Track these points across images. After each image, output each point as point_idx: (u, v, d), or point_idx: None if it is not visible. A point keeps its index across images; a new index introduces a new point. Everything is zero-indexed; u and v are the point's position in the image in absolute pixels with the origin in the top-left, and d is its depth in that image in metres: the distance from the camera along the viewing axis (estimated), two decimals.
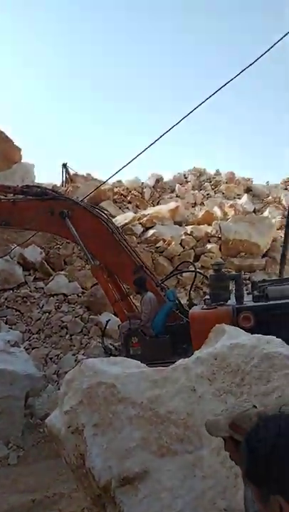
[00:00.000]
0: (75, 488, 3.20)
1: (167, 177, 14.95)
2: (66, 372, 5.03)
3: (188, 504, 2.08)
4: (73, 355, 6.75)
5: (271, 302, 4.03)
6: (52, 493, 3.35)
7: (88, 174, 14.52)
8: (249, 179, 15.04)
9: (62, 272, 8.38)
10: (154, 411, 2.43)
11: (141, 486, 2.23)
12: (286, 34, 5.23)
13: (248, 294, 4.55)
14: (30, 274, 8.45)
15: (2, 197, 5.53)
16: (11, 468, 3.95)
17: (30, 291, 7.99)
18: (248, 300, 4.23)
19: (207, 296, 4.52)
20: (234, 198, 13.63)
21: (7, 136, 13.88)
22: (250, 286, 5.19)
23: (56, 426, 2.73)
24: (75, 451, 2.49)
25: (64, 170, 13.51)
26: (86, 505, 3.03)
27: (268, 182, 15.49)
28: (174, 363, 2.76)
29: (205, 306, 4.20)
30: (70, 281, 8.17)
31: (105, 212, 5.61)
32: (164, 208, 11.47)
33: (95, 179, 13.46)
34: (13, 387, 4.44)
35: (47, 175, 34.64)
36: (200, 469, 2.20)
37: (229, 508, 1.98)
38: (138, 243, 9.42)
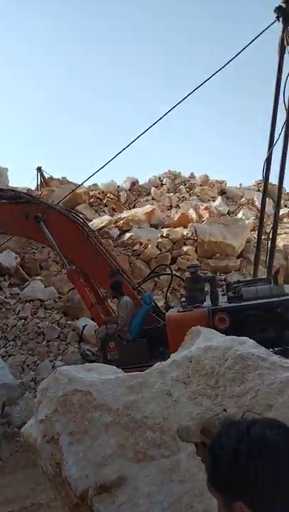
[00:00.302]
0: (53, 497, 3.16)
1: (143, 180, 15.01)
2: (44, 379, 4.98)
3: (166, 509, 2.09)
4: (50, 361, 6.67)
5: (245, 303, 4.09)
6: (30, 503, 3.31)
7: (63, 178, 14.43)
8: (223, 182, 15.27)
9: (38, 277, 8.29)
10: (130, 417, 2.42)
11: (118, 493, 2.22)
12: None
13: (223, 295, 4.61)
14: (5, 280, 8.31)
15: None
16: None
17: (6, 298, 7.86)
18: (223, 301, 4.28)
19: (183, 299, 4.55)
20: (208, 200, 13.80)
21: None
22: (225, 287, 5.26)
23: (32, 435, 2.69)
24: (51, 461, 2.45)
25: (39, 173, 13.40)
26: None
27: (241, 184, 15.78)
28: (151, 366, 2.77)
29: (181, 309, 4.23)
30: (46, 287, 8.09)
31: (80, 216, 5.57)
32: (140, 211, 11.51)
33: (71, 182, 13.38)
34: None
35: (21, 179, 34.19)
36: (177, 474, 2.20)
37: (206, 511, 1.99)
38: (115, 246, 9.41)
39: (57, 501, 2.98)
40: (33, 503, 3.32)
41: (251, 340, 2.72)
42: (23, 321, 7.35)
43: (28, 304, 7.65)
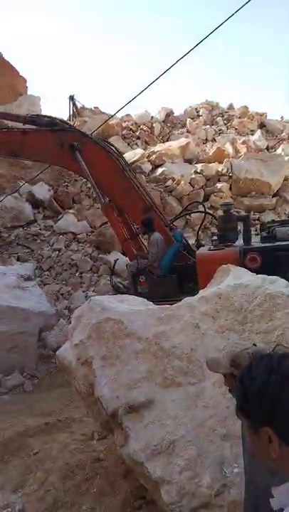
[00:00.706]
0: (86, 414, 3.45)
1: (178, 111, 14.31)
2: (77, 308, 5.21)
3: (190, 431, 2.24)
4: (83, 291, 6.94)
5: (279, 243, 4.02)
6: (64, 417, 3.62)
7: (96, 107, 13.95)
8: (263, 114, 14.33)
9: (71, 211, 8.36)
10: (159, 346, 2.54)
11: (146, 414, 2.39)
12: None
13: (256, 235, 4.53)
14: (39, 212, 8.46)
15: (13, 127, 5.40)
16: (27, 394, 4.23)
17: (40, 229, 8.05)
18: (256, 241, 4.22)
19: (215, 237, 4.51)
20: (247, 134, 13.09)
21: (12, 67, 13.22)
22: (258, 227, 5.15)
23: (67, 358, 2.89)
24: (84, 381, 2.65)
25: (71, 103, 12.96)
26: (96, 429, 3.28)
27: (282, 117, 14.75)
28: (180, 301, 2.84)
29: (212, 247, 4.22)
30: (78, 220, 8.18)
31: (115, 147, 5.40)
32: (174, 145, 11.10)
33: (103, 113, 12.95)
34: (27, 323, 4.62)
35: (53, 108, 33.38)
36: (202, 400, 2.33)
37: (228, 435, 2.12)
38: (147, 182, 9.26)
39: (89, 417, 3.25)
40: (67, 418, 3.62)
41: (283, 279, 2.72)
42: (57, 252, 7.58)
43: (61, 236, 7.83)
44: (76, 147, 4.79)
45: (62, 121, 5.50)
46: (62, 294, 7.02)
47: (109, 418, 2.52)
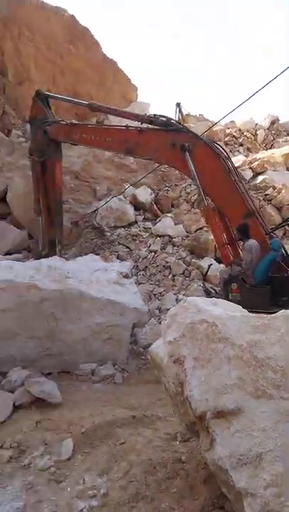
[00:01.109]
0: (171, 413, 3.49)
1: (284, 119, 13.71)
2: (168, 309, 5.27)
3: (278, 446, 2.14)
4: (174, 294, 7.03)
5: None
6: (150, 414, 3.69)
7: (200, 114, 14.05)
8: None
9: (169, 214, 8.52)
10: (252, 354, 2.46)
11: (234, 421, 2.34)
12: None
13: None
14: (140, 214, 8.78)
15: (130, 125, 5.68)
16: (116, 386, 4.41)
17: (139, 231, 8.35)
18: None
19: None
20: None
21: (125, 76, 13.91)
22: None
23: (159, 354, 2.96)
24: (175, 380, 2.68)
25: (177, 109, 13.23)
26: (180, 430, 3.30)
27: None
28: (272, 313, 2.72)
29: None
30: (175, 224, 8.31)
31: (225, 150, 5.37)
32: (277, 153, 10.67)
33: (207, 119, 12.98)
34: (123, 317, 4.84)
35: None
36: None
37: None
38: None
39: (174, 417, 3.28)
40: (152, 414, 3.69)
41: None
42: (153, 253, 7.79)
43: (158, 238, 8.03)
44: (186, 148, 4.86)
45: (177, 121, 5.60)
46: (154, 294, 7.20)
47: (196, 420, 2.52)
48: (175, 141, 4.98)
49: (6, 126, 17.02)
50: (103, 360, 4.73)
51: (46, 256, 7.31)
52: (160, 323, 5.88)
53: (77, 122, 7.03)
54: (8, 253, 8.73)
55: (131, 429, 3.40)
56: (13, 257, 8.39)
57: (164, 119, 5.34)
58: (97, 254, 7.40)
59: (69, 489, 2.85)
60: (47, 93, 7.31)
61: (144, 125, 5.56)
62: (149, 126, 5.46)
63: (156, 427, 3.43)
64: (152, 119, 5.38)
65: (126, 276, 5.43)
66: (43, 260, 5.22)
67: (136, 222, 8.67)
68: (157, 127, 5.30)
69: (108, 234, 8.50)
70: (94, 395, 4.12)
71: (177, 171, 9.77)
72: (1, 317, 4.40)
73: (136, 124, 5.71)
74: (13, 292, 4.43)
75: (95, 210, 8.70)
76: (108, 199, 8.62)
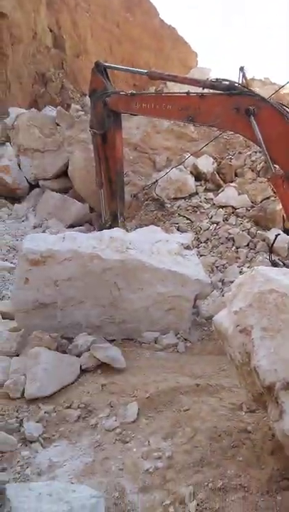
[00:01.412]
0: (236, 384, 3.44)
1: None
2: (231, 282, 5.14)
3: None
4: (238, 266, 6.83)
5: None
6: (214, 383, 3.68)
7: (266, 78, 13.23)
8: None
9: (233, 184, 8.21)
10: None
11: None
12: None
13: None
14: (201, 185, 8.56)
15: (191, 91, 5.42)
16: (179, 355, 4.44)
17: (201, 202, 8.16)
18: None
19: None
20: None
21: (185, 43, 13.42)
22: None
23: (223, 324, 2.89)
24: (241, 349, 2.62)
25: (241, 73, 12.53)
26: (245, 401, 3.25)
27: None
28: None
29: None
30: (239, 194, 8.00)
31: None
32: None
33: (274, 83, 12.19)
34: (184, 289, 4.78)
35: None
36: None
37: None
38: None
39: (239, 387, 3.23)
40: (216, 384, 3.67)
41: None
42: (215, 225, 7.59)
43: (220, 209, 7.79)
44: (252, 112, 4.58)
45: (242, 85, 5.25)
46: (217, 267, 7.05)
47: (264, 390, 2.45)
48: (239, 105, 4.71)
49: (65, 101, 17.27)
50: (165, 330, 4.76)
51: (109, 228, 7.44)
52: (223, 295, 5.77)
53: (136, 92, 6.76)
54: (70, 226, 9.00)
55: (195, 397, 3.41)
56: (75, 229, 8.64)
57: (228, 82, 5.02)
58: (157, 226, 7.35)
59: (135, 450, 2.95)
60: (105, 64, 7.20)
61: (207, 91, 5.33)
62: (212, 91, 5.20)
63: (220, 397, 3.42)
64: (215, 84, 5.09)
65: (187, 248, 5.32)
66: (105, 231, 5.25)
67: (197, 193, 8.46)
68: (220, 92, 5.02)
69: (168, 206, 8.41)
70: (157, 362, 4.18)
71: (242, 138, 9.36)
72: (66, 285, 4.56)
73: (198, 90, 5.48)
74: (77, 261, 4.55)
75: (154, 182, 8.62)
76: (168, 170, 8.48)
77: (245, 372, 2.68)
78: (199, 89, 5.42)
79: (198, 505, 2.36)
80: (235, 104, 4.76)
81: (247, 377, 2.69)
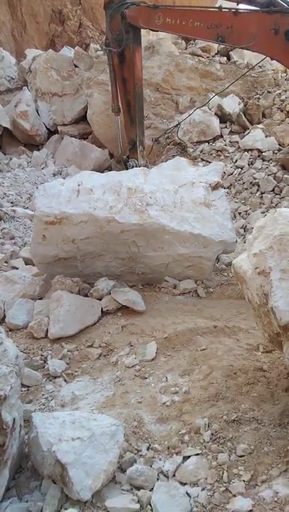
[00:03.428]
0: (253, 326, 3.48)
1: None
2: (253, 228, 5.01)
3: None
4: (262, 212, 6.66)
5: None
6: (232, 325, 3.73)
7: None
8: None
9: (260, 126, 7.81)
10: None
11: None
12: None
13: None
14: (226, 127, 8.18)
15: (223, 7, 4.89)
16: (198, 299, 4.48)
17: (225, 145, 7.84)
18: None
19: None
20: None
21: None
22: None
23: (243, 267, 2.87)
24: (259, 291, 2.61)
25: None
26: (262, 342, 3.30)
27: None
28: None
29: None
30: (266, 136, 7.62)
31: None
32: None
33: None
34: (207, 250, 4.57)
35: None
36: None
37: None
38: None
39: (257, 329, 3.27)
40: (234, 326, 3.72)
41: None
42: (239, 170, 7.33)
43: (246, 153, 7.48)
44: None
45: (285, 1, 4.55)
46: (239, 213, 6.91)
47: (280, 330, 2.47)
48: (278, 26, 4.13)
49: (84, 41, 16.42)
50: (185, 279, 4.71)
51: (126, 162, 7.00)
52: (245, 242, 5.67)
53: (160, 4, 5.95)
54: None
55: (212, 338, 3.48)
56: None
57: None
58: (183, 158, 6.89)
59: (153, 385, 3.08)
60: None
61: (242, 6, 4.77)
62: (248, 7, 4.68)
63: (237, 338, 3.47)
64: None
65: (216, 187, 4.83)
66: (123, 177, 4.73)
67: (221, 135, 8.10)
68: (257, 8, 4.48)
69: (191, 150, 8.13)
70: (176, 306, 4.25)
71: (271, 75, 8.78)
72: (85, 243, 4.45)
73: (232, 5, 4.88)
74: (93, 224, 4.36)
75: (176, 125, 8.27)
76: (191, 112, 8.10)
77: (262, 313, 2.69)
78: (233, 5, 4.86)
79: (212, 434, 2.48)
80: (275, 23, 4.19)
81: (264, 318, 2.70)
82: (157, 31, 6.17)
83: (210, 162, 7.67)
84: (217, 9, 4.92)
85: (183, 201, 4.66)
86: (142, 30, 6.39)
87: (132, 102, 6.64)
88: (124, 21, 6.08)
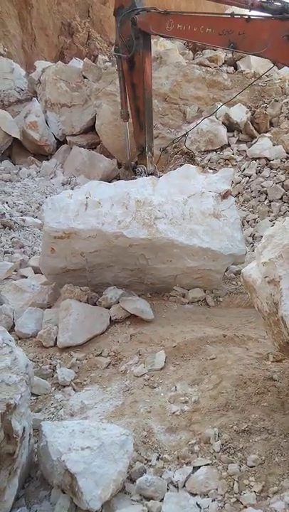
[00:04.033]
0: (263, 335, 3.46)
1: None
2: (262, 236, 4.97)
3: None
4: (270, 221, 6.66)
5: None
6: (241, 334, 3.71)
7: None
8: None
9: (267, 135, 7.83)
10: None
11: None
12: None
13: None
14: (233, 136, 8.21)
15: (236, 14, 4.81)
16: (207, 308, 4.47)
17: (233, 154, 7.87)
18: None
19: None
20: None
21: None
22: None
23: (252, 276, 2.87)
24: (268, 300, 2.60)
25: None
26: (272, 351, 3.27)
27: None
28: None
29: None
30: (274, 145, 7.63)
31: None
32: None
33: None
34: (216, 263, 4.53)
35: None
36: None
37: None
38: None
39: (267, 339, 3.24)
40: (243, 335, 3.71)
41: None
42: (247, 178, 7.34)
43: (253, 161, 7.50)
44: None
45: None
46: (247, 221, 6.90)
47: None
48: None
49: (92, 52, 16.65)
50: (193, 287, 4.69)
51: (135, 168, 6.88)
52: (253, 250, 5.65)
53: (170, 11, 5.76)
54: None
55: (221, 347, 3.47)
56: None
57: (280, 4, 4.42)
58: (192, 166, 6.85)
59: (162, 394, 3.07)
60: None
61: (254, 13, 4.69)
62: (261, 14, 4.61)
63: (247, 347, 3.46)
64: (264, 5, 4.51)
65: (225, 196, 4.72)
66: (131, 189, 4.59)
67: (229, 144, 8.13)
68: (270, 15, 4.44)
69: (198, 159, 8.16)
70: (184, 315, 4.24)
71: (278, 84, 8.83)
72: (93, 255, 4.44)
73: (243, 12, 4.79)
74: (102, 238, 4.35)
75: (184, 135, 8.32)
76: (199, 121, 8.16)
77: (272, 322, 2.68)
78: (245, 12, 4.78)
79: (222, 444, 2.46)
80: (287, 30, 4.17)
81: (274, 327, 2.69)
82: (168, 37, 5.87)
83: (217, 171, 7.70)
84: (229, 15, 4.86)
85: (192, 213, 4.56)
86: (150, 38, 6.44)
87: (141, 108, 6.58)
88: (135, 27, 6.02)
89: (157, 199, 4.56)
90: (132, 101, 6.64)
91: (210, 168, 7.80)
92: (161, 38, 12.26)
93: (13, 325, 4.25)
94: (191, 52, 11.01)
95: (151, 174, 6.58)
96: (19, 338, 4.08)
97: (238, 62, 10.08)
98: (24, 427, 2.35)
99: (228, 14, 4.90)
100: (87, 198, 4.50)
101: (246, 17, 4.60)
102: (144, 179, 4.93)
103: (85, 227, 4.31)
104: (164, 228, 4.37)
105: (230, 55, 10.25)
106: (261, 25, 4.46)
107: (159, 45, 10.42)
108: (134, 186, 4.65)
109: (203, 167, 7.88)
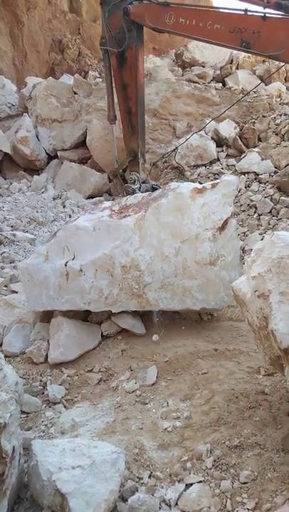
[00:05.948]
0: (255, 349, 3.47)
1: None
2: (251, 249, 5.02)
3: None
4: (260, 234, 6.73)
5: None
6: (232, 348, 3.72)
7: None
8: None
9: (256, 149, 7.97)
10: None
11: None
12: None
13: None
14: (222, 151, 8.34)
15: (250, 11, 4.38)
16: (198, 321, 4.46)
17: (222, 169, 7.98)
18: None
19: None
20: None
21: None
22: None
23: (242, 290, 2.89)
24: (258, 314, 2.62)
25: None
26: (263, 365, 3.28)
27: None
28: None
29: None
30: (262, 159, 7.77)
31: None
32: None
33: None
34: (210, 303, 4.17)
35: None
36: None
37: None
38: None
39: (258, 353, 3.25)
40: (234, 348, 3.71)
41: None
42: (236, 192, 7.45)
43: (242, 176, 7.61)
44: None
45: None
46: (238, 235, 6.97)
47: (281, 353, 2.46)
48: None
49: (83, 68, 16.87)
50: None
51: (123, 176, 6.29)
52: (243, 263, 5.68)
53: (171, 2, 4.98)
54: (90, 197, 9.00)
55: (213, 361, 3.46)
56: (94, 200, 8.66)
57: None
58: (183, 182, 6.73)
59: (154, 410, 3.04)
60: None
61: (270, 11, 4.38)
62: (277, 12, 4.31)
63: (238, 361, 3.46)
64: (282, 3, 4.26)
65: (223, 227, 4.06)
66: (114, 251, 3.93)
67: (218, 159, 8.25)
68: (288, 15, 4.15)
69: (188, 174, 8.26)
70: (176, 329, 4.23)
71: (265, 100, 9.00)
72: None
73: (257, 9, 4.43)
74: None
75: (174, 150, 8.43)
76: (188, 136, 8.28)
77: (262, 335, 2.69)
78: (259, 9, 4.43)
79: (214, 461, 2.44)
80: None
81: (264, 341, 2.70)
82: (167, 32, 5.19)
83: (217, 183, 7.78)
84: (242, 12, 4.33)
85: (185, 265, 3.98)
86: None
87: (133, 109, 5.81)
88: (127, 18, 5.28)
89: (145, 256, 3.94)
90: (123, 102, 5.89)
91: (200, 183, 7.87)
92: (151, 55, 12.53)
93: (2, 342, 4.21)
94: (180, 68, 11.23)
95: (144, 182, 6.13)
96: (6, 356, 4.02)
97: (226, 79, 10.30)
98: (14, 446, 2.31)
99: (241, 10, 4.35)
100: (66, 264, 4.02)
101: (263, 14, 4.20)
102: (128, 230, 3.97)
103: (70, 307, 4.09)
104: (155, 297, 4.00)
105: (218, 72, 10.47)
106: (278, 25, 4.10)
107: (149, 61, 10.62)
108: (116, 240, 3.95)
109: (193, 181, 7.98)
